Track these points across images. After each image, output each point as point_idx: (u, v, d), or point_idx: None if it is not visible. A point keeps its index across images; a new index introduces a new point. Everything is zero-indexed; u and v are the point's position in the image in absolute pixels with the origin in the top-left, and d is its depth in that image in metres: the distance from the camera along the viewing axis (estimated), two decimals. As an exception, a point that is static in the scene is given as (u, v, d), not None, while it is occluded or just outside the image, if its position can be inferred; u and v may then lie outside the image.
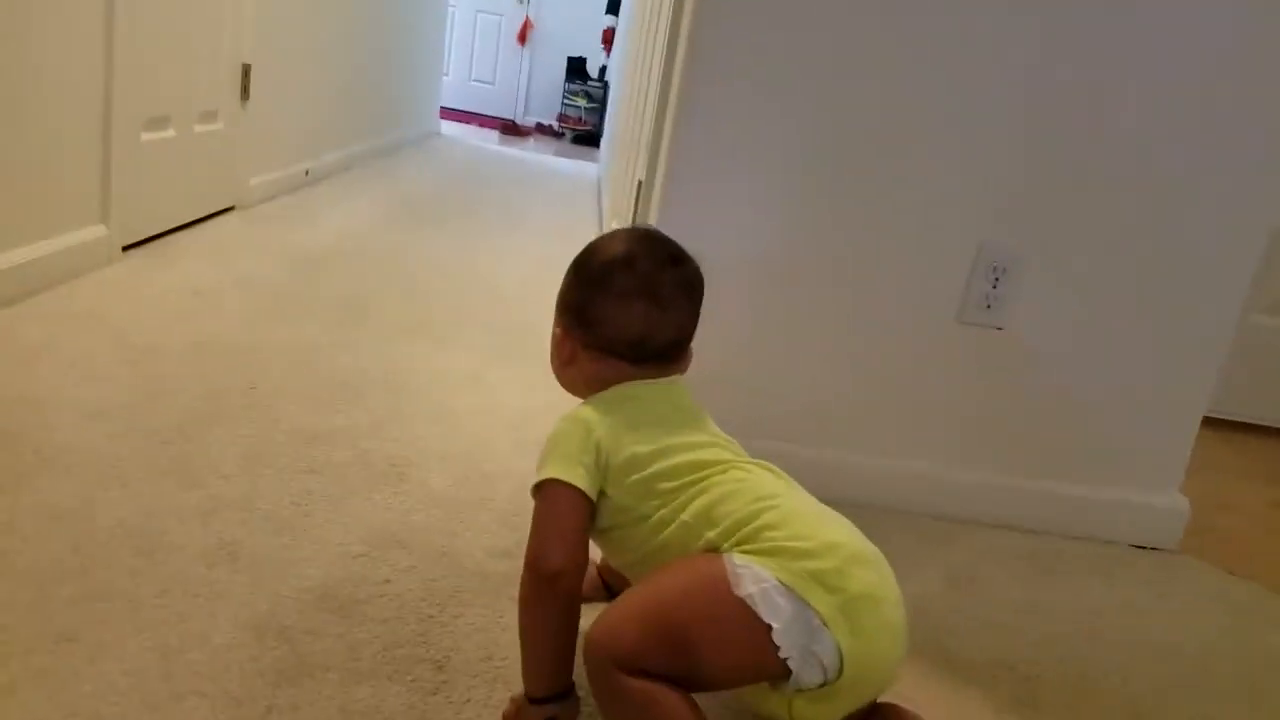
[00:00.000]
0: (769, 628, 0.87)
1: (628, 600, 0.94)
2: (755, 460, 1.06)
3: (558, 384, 1.17)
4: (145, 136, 2.44)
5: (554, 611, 0.97)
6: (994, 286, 1.65)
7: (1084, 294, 1.67)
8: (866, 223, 1.63)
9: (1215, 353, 1.72)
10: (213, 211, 3.00)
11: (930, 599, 1.45)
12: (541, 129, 8.72)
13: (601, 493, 1.02)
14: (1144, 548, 1.76)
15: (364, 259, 2.88)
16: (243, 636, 1.06)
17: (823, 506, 1.00)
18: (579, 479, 0.99)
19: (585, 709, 1.00)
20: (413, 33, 5.81)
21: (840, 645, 0.87)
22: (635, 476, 1.01)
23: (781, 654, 0.87)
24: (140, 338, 1.86)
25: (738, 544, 0.93)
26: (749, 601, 0.88)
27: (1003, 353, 1.69)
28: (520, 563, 1.26)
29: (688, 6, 1.60)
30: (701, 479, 1.00)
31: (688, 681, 0.89)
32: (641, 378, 1.10)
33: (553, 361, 1.15)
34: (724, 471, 1.01)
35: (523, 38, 8.87)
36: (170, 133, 2.59)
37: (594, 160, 6.98)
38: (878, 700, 0.98)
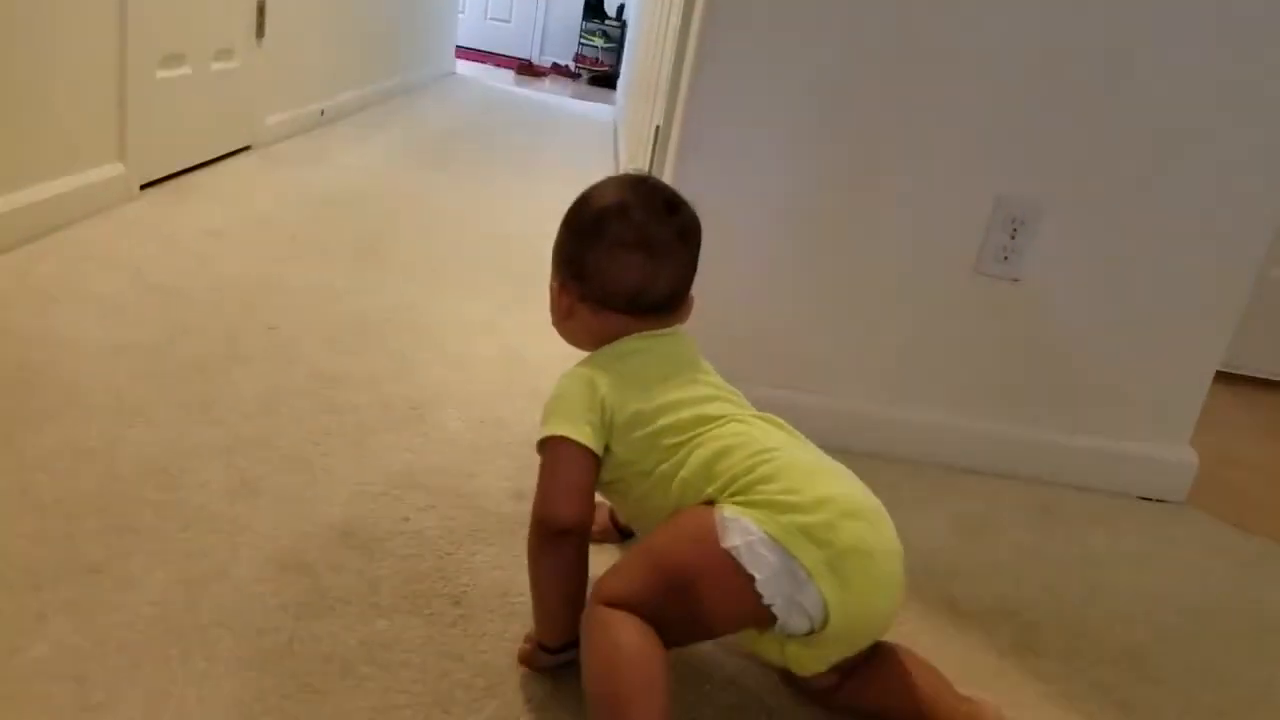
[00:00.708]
0: (753, 578, 0.88)
1: (627, 553, 0.99)
2: (758, 413, 1.06)
3: None
4: (161, 74, 2.44)
5: (562, 563, 0.98)
6: (1012, 238, 1.65)
7: (1100, 246, 1.67)
8: (885, 172, 1.63)
9: (1231, 307, 1.72)
10: (229, 151, 3.00)
11: (937, 546, 1.47)
12: (558, 69, 8.65)
13: (606, 447, 1.02)
14: (1151, 500, 1.78)
15: (379, 201, 2.89)
16: (265, 570, 1.09)
17: (823, 458, 1.00)
18: (585, 435, 0.99)
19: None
20: (429, -30, 5.76)
21: (826, 597, 0.88)
22: (639, 432, 1.01)
23: (765, 602, 0.89)
24: (159, 277, 1.88)
25: (732, 496, 0.94)
26: (734, 553, 0.89)
27: (1018, 304, 1.69)
28: (534, 503, 1.29)
29: (708, -50, 1.59)
30: (702, 433, 1.00)
31: (683, 628, 0.92)
32: (642, 330, 1.08)
33: (552, 315, 1.13)
34: (724, 425, 1.01)
35: (540, -26, 8.78)
36: (186, 70, 2.59)
37: (610, 103, 6.94)
38: (887, 643, 1.01)
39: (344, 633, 1.02)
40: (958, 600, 1.33)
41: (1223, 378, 1.95)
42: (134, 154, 2.29)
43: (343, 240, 2.38)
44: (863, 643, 0.96)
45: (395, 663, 0.99)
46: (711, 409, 1.03)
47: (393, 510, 1.26)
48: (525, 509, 1.30)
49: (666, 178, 1.67)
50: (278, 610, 1.03)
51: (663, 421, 1.01)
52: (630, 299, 1.07)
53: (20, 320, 1.59)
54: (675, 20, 1.78)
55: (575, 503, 0.98)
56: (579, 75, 8.50)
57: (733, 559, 0.89)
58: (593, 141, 4.97)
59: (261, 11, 3.05)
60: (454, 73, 6.96)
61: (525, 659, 1.02)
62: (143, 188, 2.39)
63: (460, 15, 7.35)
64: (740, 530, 0.90)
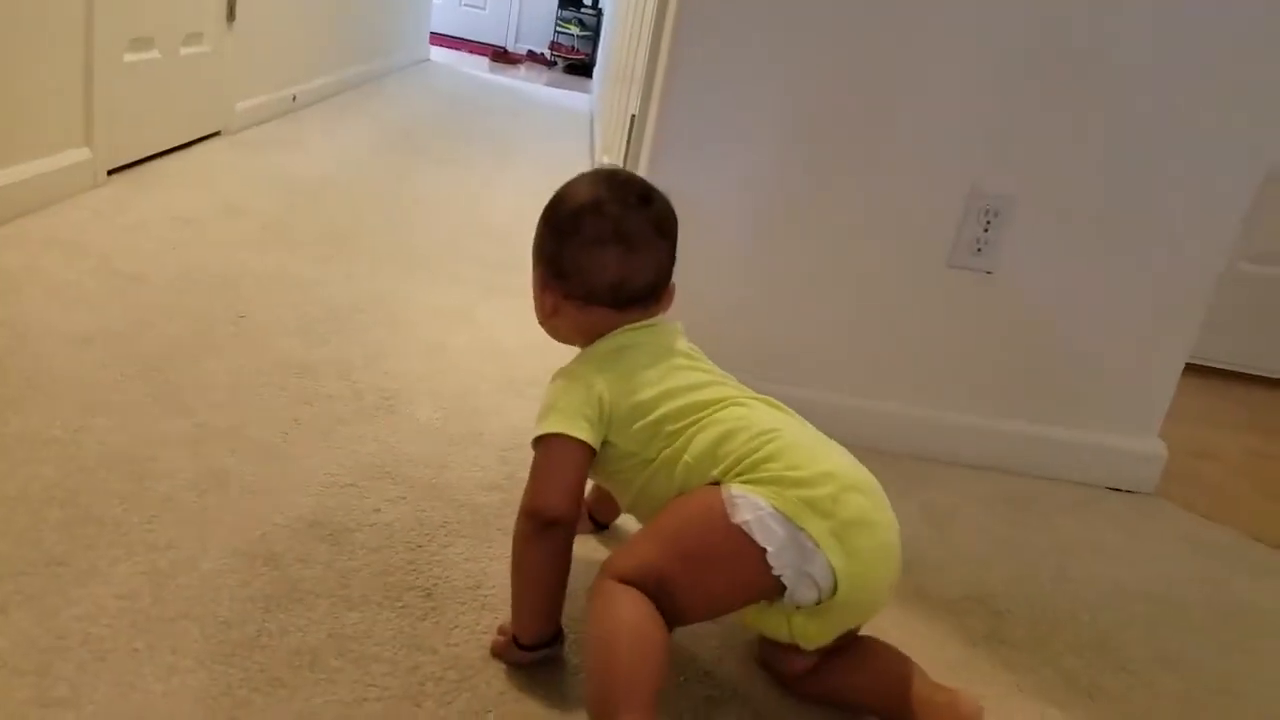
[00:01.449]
0: (764, 551, 0.91)
1: (638, 533, 1.02)
2: (756, 394, 1.08)
3: None
4: (129, 58, 2.40)
5: (548, 556, 1.00)
6: (985, 230, 1.65)
7: (1072, 239, 1.68)
8: (859, 164, 1.63)
9: (1200, 300, 1.73)
10: (198, 136, 2.96)
11: (909, 536, 1.46)
12: (533, 57, 8.62)
13: (606, 441, 1.03)
14: (1121, 490, 1.79)
15: (352, 188, 2.86)
16: (233, 562, 1.08)
17: (821, 437, 1.04)
18: (582, 431, 1.00)
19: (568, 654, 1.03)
20: (402, -44, 5.72)
21: (834, 565, 0.92)
22: (640, 423, 1.02)
23: (775, 572, 0.92)
24: (127, 265, 1.85)
25: (738, 476, 0.96)
26: (745, 528, 0.92)
27: (991, 297, 1.70)
28: (509, 495, 1.29)
29: (683, -61, 1.58)
30: (703, 418, 1.02)
31: (694, 604, 0.95)
32: (625, 322, 1.09)
33: (536, 313, 1.13)
34: (723, 408, 1.02)
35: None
36: (154, 54, 2.55)
37: (586, 91, 6.91)
38: (859, 634, 1.03)
39: (313, 625, 1.01)
40: (928, 590, 1.33)
41: (1193, 370, 1.96)
42: (101, 139, 2.26)
43: (314, 228, 2.36)
44: (865, 613, 1.00)
45: (366, 656, 0.98)
46: (709, 394, 1.04)
47: (364, 502, 1.25)
48: (498, 500, 1.30)
49: (642, 167, 1.66)
50: (246, 602, 1.02)
51: (662, 410, 1.02)
52: (612, 293, 1.08)
53: (-16, 308, 1.57)
54: (651, 9, 1.77)
55: (567, 497, 1.00)
56: (554, 63, 8.47)
57: (744, 534, 0.92)
58: (568, 130, 4.95)
59: (232, -5, 3.02)
60: (428, 59, 6.91)
61: (498, 652, 1.02)
62: (110, 173, 2.35)
63: (434, 1, 7.30)
64: (750, 506, 0.93)
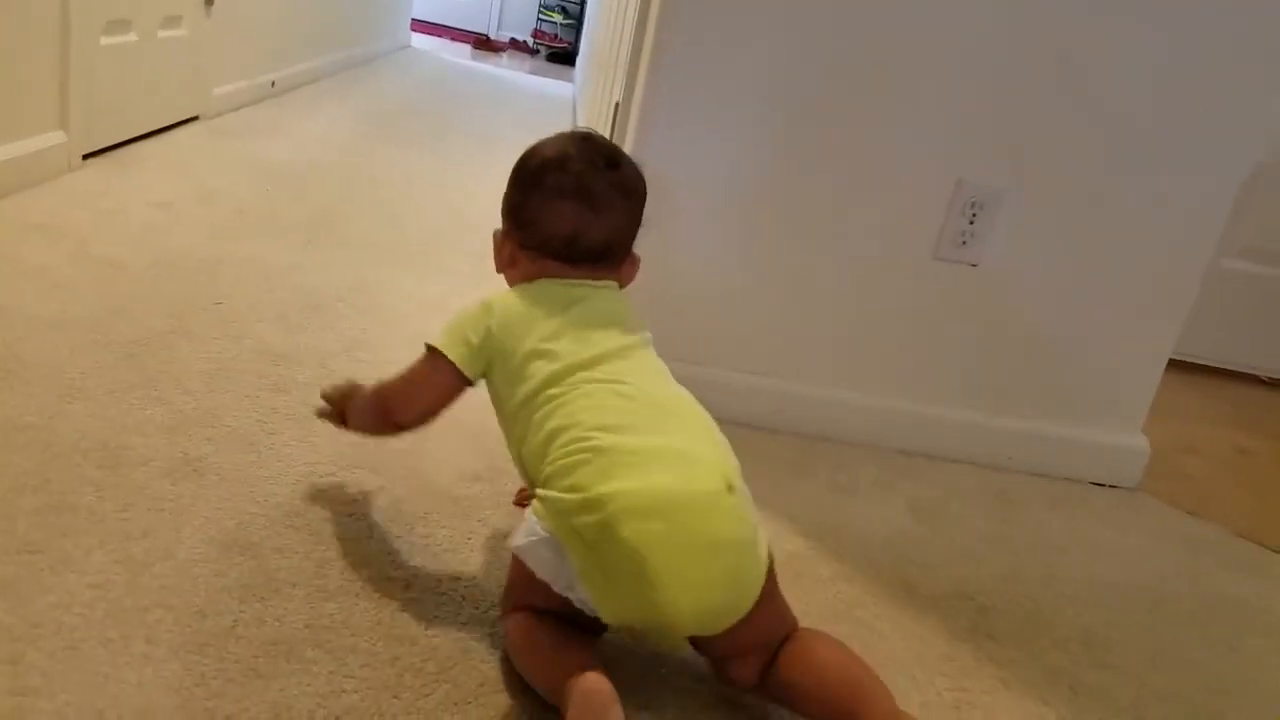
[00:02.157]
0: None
1: None
2: (649, 368, 1.06)
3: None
4: (105, 40, 2.36)
5: (381, 431, 1.20)
6: (971, 223, 1.64)
7: (1057, 233, 1.67)
8: (845, 154, 1.62)
9: (1184, 295, 1.73)
10: (175, 121, 2.93)
11: (895, 531, 1.47)
12: (516, 45, 8.58)
13: (489, 378, 1.08)
14: (1105, 486, 1.79)
15: (330, 175, 2.83)
16: (208, 552, 1.06)
17: (665, 438, 0.96)
18: (458, 353, 1.06)
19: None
20: (384, -58, 5.67)
21: (590, 596, 0.91)
22: (508, 368, 1.05)
23: (561, 595, 0.93)
24: (102, 250, 1.83)
25: (545, 484, 0.95)
26: (517, 553, 0.95)
27: (976, 290, 1.69)
28: (490, 486, 1.29)
29: (671, -75, 1.57)
30: (556, 396, 1.00)
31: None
32: (576, 277, 1.11)
33: (495, 262, 1.17)
34: (577, 388, 1.00)
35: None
36: (132, 37, 2.52)
37: (569, 80, 6.89)
38: (798, 628, 0.99)
39: (290, 615, 0.99)
40: (915, 585, 1.32)
41: (1177, 366, 1.97)
42: (76, 123, 2.22)
43: (293, 214, 2.33)
44: (681, 631, 0.94)
45: (343, 647, 0.96)
46: (582, 357, 1.02)
47: (341, 491, 1.23)
48: (478, 491, 1.29)
49: (625, 155, 1.64)
50: (222, 592, 1.00)
51: (531, 367, 1.03)
52: (565, 245, 1.10)
53: (-45, 291, 1.54)
54: (636, -4, 1.76)
55: (419, 411, 1.11)
56: (537, 51, 8.44)
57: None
58: (551, 117, 4.92)
59: (211, -21, 2.98)
60: (409, 46, 6.87)
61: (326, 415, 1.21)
62: (85, 158, 2.32)
63: (416, -12, 7.26)
64: (527, 530, 0.94)
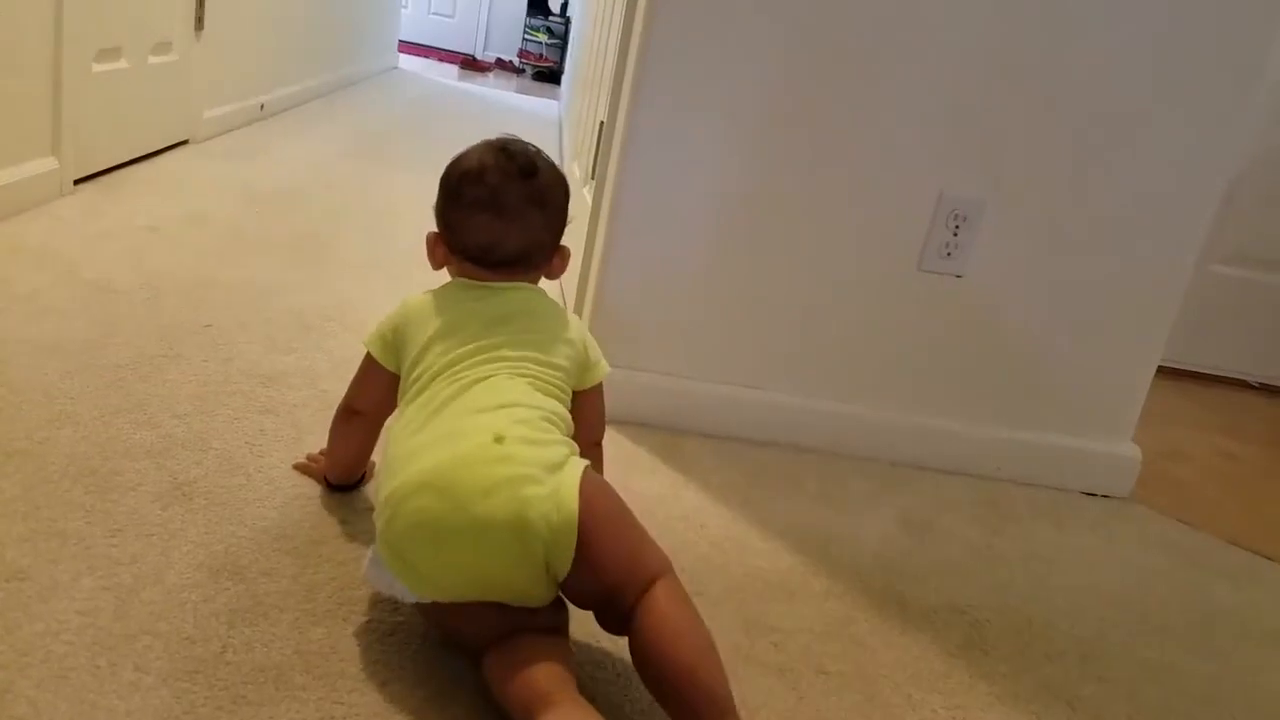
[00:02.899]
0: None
1: None
2: (515, 368, 1.06)
3: None
4: (97, 68, 2.37)
5: (349, 436, 1.23)
6: (954, 234, 1.65)
7: (1042, 242, 1.68)
8: (829, 167, 1.62)
9: (1170, 302, 1.73)
10: (166, 145, 2.93)
11: (885, 543, 1.47)
12: (502, 65, 8.59)
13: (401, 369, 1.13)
14: (1096, 495, 1.79)
15: (320, 196, 2.84)
16: (197, 576, 1.06)
17: (433, 432, 1.00)
18: (374, 349, 1.15)
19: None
20: (372, -36, 5.68)
21: (410, 586, 0.96)
22: (408, 366, 1.10)
23: (400, 600, 0.99)
24: (93, 273, 1.82)
25: None
26: (369, 582, 1.03)
27: (961, 300, 1.70)
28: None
29: (654, -56, 1.57)
30: (407, 403, 1.06)
31: (471, 632, 0.97)
32: (493, 281, 1.16)
33: (430, 261, 1.23)
34: (420, 393, 1.05)
35: (484, -30, 8.70)
36: (123, 64, 2.52)
37: (555, 98, 6.90)
38: (646, 589, 0.94)
39: (279, 641, 0.99)
40: (907, 599, 1.32)
41: (1167, 373, 1.97)
42: (68, 149, 2.22)
43: (282, 236, 2.33)
44: (503, 591, 0.95)
45: (332, 672, 0.96)
46: (449, 360, 1.06)
47: (330, 513, 1.23)
48: (468, 511, 1.28)
49: (611, 173, 1.65)
50: (210, 618, 1.00)
51: (415, 370, 1.08)
52: (483, 253, 1.16)
53: (-57, 318, 1.54)
54: (620, 17, 1.76)
55: (360, 400, 1.20)
56: (523, 71, 8.45)
57: None
58: (537, 136, 4.92)
59: (201, 4, 2.98)
60: (397, 67, 6.87)
61: (304, 471, 1.29)
62: (76, 183, 2.32)
63: (403, 9, 7.26)
64: (370, 555, 1.01)
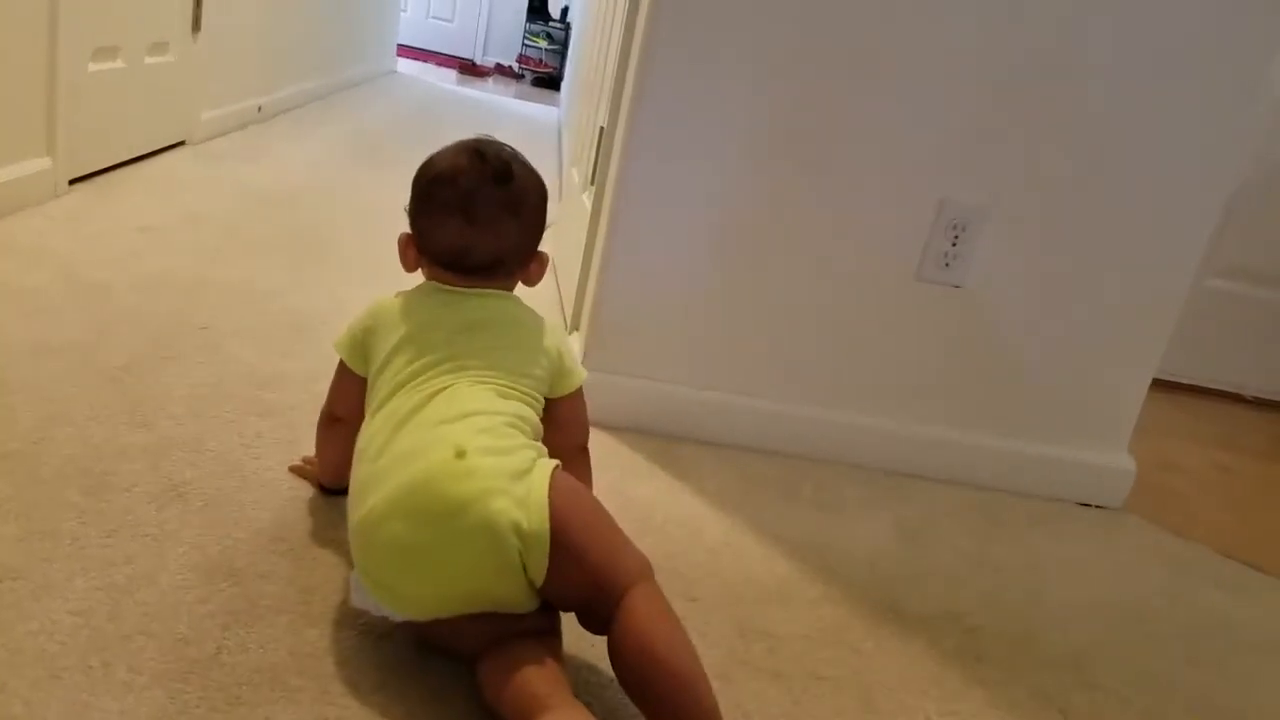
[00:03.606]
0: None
1: None
2: (479, 377, 1.05)
3: None
4: (93, 68, 2.37)
5: (331, 440, 1.21)
6: (953, 244, 1.65)
7: (1040, 254, 1.68)
8: (829, 177, 1.62)
9: (1167, 315, 1.74)
10: (162, 146, 2.93)
11: (881, 551, 1.47)
12: (501, 70, 8.60)
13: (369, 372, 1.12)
14: (1090, 506, 1.79)
15: (317, 199, 2.84)
16: (192, 578, 1.05)
17: (409, 440, 0.99)
18: (343, 352, 1.15)
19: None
20: (371, -33, 5.69)
21: (391, 608, 0.97)
22: (375, 370, 1.10)
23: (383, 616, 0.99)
24: (88, 274, 1.82)
25: None
26: (356, 605, 1.01)
27: (960, 310, 1.70)
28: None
29: (654, -50, 1.58)
30: (373, 413, 1.06)
31: (457, 643, 0.98)
32: (464, 286, 1.13)
33: (402, 263, 1.19)
34: (381, 410, 1.04)
35: (483, -26, 8.71)
36: (119, 64, 2.52)
37: (554, 104, 6.90)
38: (624, 593, 0.93)
39: (274, 642, 0.99)
40: (902, 606, 1.32)
41: (1161, 386, 1.97)
42: (63, 148, 2.22)
43: (278, 238, 2.33)
44: (459, 605, 0.95)
45: (327, 674, 0.96)
46: (405, 376, 1.05)
47: (326, 516, 1.23)
48: (464, 514, 1.28)
49: (610, 179, 1.65)
50: (205, 619, 1.00)
51: (380, 379, 1.08)
52: (454, 258, 1.13)
53: (-61, 317, 1.54)
54: (620, 23, 1.76)
55: (337, 405, 1.19)
56: (522, 76, 8.46)
57: None
58: (536, 142, 4.94)
59: (198, 4, 2.98)
60: (395, 71, 6.88)
61: (300, 473, 1.29)
62: (71, 183, 2.32)
63: (402, 13, 7.27)
64: (352, 577, 1.03)
